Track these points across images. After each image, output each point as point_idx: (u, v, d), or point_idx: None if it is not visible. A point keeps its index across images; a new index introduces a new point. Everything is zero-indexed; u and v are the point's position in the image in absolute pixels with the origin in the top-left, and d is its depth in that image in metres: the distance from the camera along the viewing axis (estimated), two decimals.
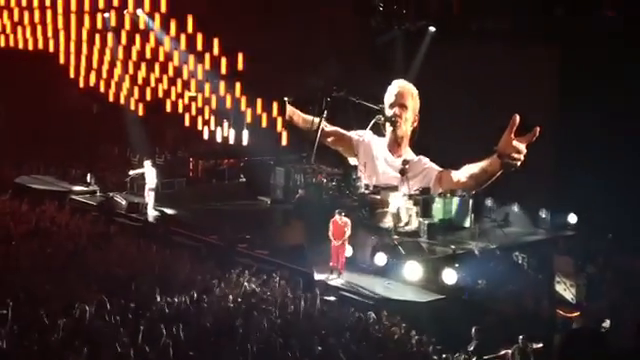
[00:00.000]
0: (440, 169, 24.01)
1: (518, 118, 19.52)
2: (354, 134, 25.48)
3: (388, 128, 24.69)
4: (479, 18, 25.77)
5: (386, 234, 20.60)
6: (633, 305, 17.00)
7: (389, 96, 24.66)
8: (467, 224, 22.45)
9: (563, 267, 18.65)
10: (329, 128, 25.08)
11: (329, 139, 25.32)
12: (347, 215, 19.09)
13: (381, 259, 19.11)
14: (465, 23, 26.04)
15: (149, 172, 24.81)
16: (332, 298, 17.25)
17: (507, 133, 19.72)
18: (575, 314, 17.61)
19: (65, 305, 14.84)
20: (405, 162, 23.54)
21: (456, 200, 22.78)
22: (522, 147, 19.74)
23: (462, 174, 22.92)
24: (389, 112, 24.47)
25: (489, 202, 23.43)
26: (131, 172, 25.58)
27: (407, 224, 21.60)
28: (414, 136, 24.74)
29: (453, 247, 20.32)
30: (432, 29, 26.72)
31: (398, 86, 24.76)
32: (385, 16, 27.48)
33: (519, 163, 20.14)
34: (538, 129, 19.56)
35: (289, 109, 24.95)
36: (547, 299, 17.99)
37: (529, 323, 16.72)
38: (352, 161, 25.51)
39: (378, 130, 24.96)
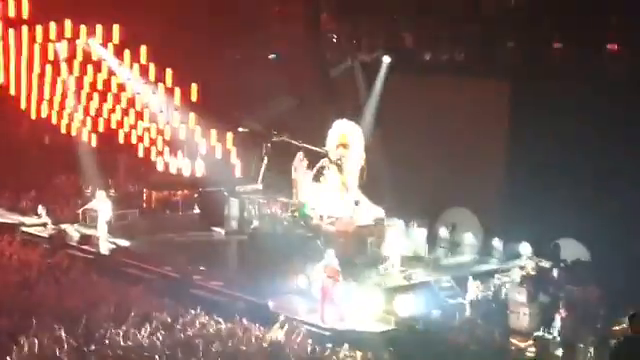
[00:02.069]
0: None
1: None
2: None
3: (334, 171, 23.78)
4: (432, 49, 26.09)
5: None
6: (585, 334, 17.18)
7: (332, 138, 23.99)
8: (422, 254, 22.60)
9: (516, 296, 18.81)
10: None
11: None
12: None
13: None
14: (417, 55, 26.35)
15: (103, 204, 24.57)
16: (286, 329, 17.16)
17: None
18: (528, 343, 17.75)
19: (15, 338, 14.62)
20: (357, 202, 23.32)
21: (411, 230, 22.96)
22: None
23: None
24: (334, 155, 23.71)
25: (443, 231, 23.57)
26: (88, 205, 25.25)
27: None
28: (363, 175, 23.74)
29: (407, 276, 20.42)
30: (387, 59, 26.73)
31: (340, 126, 24.01)
32: (339, 48, 27.66)
33: None
34: None
35: None
36: (500, 328, 18.09)
37: (482, 353, 16.82)
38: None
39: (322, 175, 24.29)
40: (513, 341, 17.83)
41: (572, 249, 21.60)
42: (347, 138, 23.86)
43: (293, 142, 24.13)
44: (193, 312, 17.45)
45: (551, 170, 22.42)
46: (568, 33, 23.38)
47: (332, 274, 18.24)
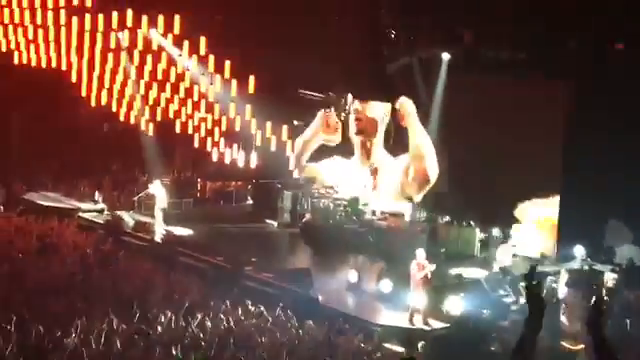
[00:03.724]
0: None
1: None
2: None
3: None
4: (492, 48, 25.66)
5: None
6: (638, 339, 16.89)
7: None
8: (474, 253, 22.43)
9: (569, 299, 18.57)
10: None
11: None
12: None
13: (386, 286, 19.05)
14: (477, 52, 25.98)
15: (159, 192, 24.85)
16: (338, 323, 17.17)
17: None
18: (579, 347, 17.49)
19: (70, 324, 14.85)
20: (410, 200, 23.65)
21: (463, 228, 22.81)
22: None
23: None
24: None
25: (496, 231, 23.34)
26: (147, 190, 25.55)
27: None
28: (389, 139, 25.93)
29: (459, 275, 20.28)
30: (447, 56, 26.21)
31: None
32: (396, 44, 27.42)
33: None
34: None
35: None
36: (552, 331, 17.87)
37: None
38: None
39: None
40: (564, 344, 17.60)
41: (629, 253, 21.26)
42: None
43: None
44: (243, 303, 17.55)
45: (611, 172, 21.96)
46: (631, 33, 22.88)
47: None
